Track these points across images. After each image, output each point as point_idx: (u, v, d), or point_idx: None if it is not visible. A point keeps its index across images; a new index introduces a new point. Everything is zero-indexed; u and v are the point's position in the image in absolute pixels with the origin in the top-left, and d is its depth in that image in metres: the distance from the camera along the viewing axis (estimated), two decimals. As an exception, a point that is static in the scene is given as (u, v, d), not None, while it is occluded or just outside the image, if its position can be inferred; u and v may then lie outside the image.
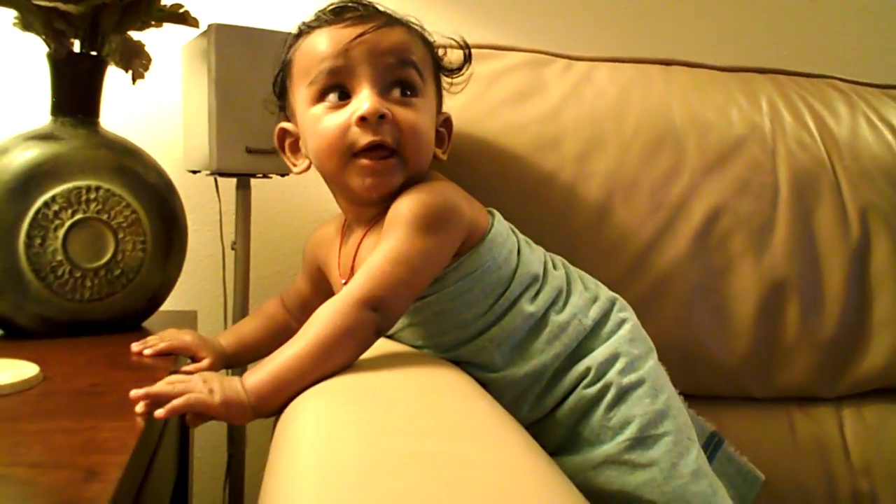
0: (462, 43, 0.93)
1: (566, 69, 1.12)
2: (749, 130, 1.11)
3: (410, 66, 0.81)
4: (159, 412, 0.62)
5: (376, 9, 0.83)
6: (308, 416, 0.62)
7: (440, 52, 0.89)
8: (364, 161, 0.78)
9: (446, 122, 0.90)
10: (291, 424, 0.62)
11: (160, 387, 0.65)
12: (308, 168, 0.87)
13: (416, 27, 0.85)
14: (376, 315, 0.71)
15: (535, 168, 1.03)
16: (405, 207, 0.75)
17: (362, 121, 0.77)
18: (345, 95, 0.80)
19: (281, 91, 0.88)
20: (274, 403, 0.67)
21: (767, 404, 1.09)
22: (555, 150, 1.04)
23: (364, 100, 0.77)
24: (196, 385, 0.65)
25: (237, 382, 0.67)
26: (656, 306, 1.03)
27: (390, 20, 0.82)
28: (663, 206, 1.05)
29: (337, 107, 0.79)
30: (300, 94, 0.82)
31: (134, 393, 0.63)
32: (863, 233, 1.10)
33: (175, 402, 0.63)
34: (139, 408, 0.62)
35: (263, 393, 0.66)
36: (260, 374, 0.67)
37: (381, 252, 0.73)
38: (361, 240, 0.84)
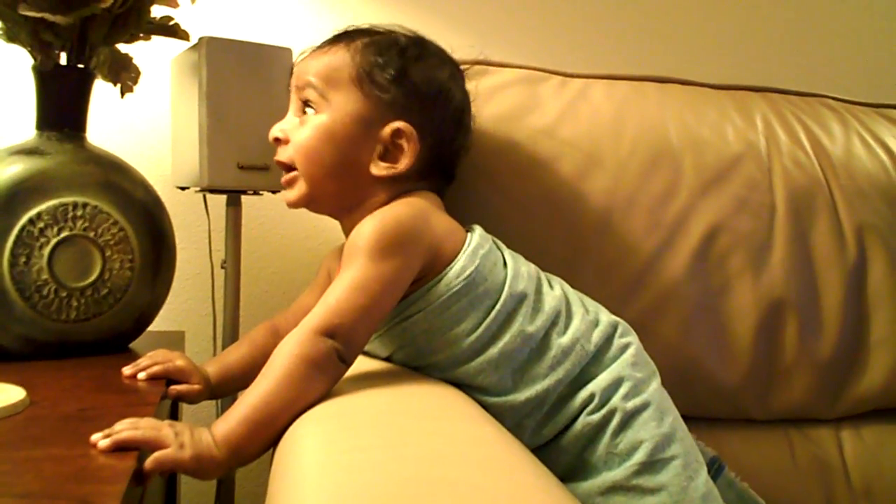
0: None
1: (561, 86, 1.11)
2: (745, 148, 1.11)
3: (309, 87, 0.85)
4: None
5: (336, 36, 0.89)
6: (308, 442, 0.60)
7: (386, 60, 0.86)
8: None
9: (396, 133, 0.84)
10: (291, 452, 0.60)
11: (129, 433, 0.60)
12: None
13: (353, 44, 0.86)
14: (335, 342, 0.70)
15: (532, 186, 1.01)
16: (359, 236, 0.75)
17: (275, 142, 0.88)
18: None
19: None
20: (249, 451, 0.65)
21: (766, 426, 1.09)
22: (552, 168, 1.03)
23: None
24: (166, 433, 0.62)
25: (206, 434, 0.64)
26: (654, 326, 1.02)
27: (324, 45, 0.88)
28: (661, 225, 1.04)
29: None
30: None
31: (95, 437, 0.59)
32: (859, 251, 1.10)
33: (146, 464, 0.59)
34: (102, 445, 0.58)
35: (235, 442, 0.64)
36: (229, 422, 0.65)
37: (338, 283, 0.74)
38: None
